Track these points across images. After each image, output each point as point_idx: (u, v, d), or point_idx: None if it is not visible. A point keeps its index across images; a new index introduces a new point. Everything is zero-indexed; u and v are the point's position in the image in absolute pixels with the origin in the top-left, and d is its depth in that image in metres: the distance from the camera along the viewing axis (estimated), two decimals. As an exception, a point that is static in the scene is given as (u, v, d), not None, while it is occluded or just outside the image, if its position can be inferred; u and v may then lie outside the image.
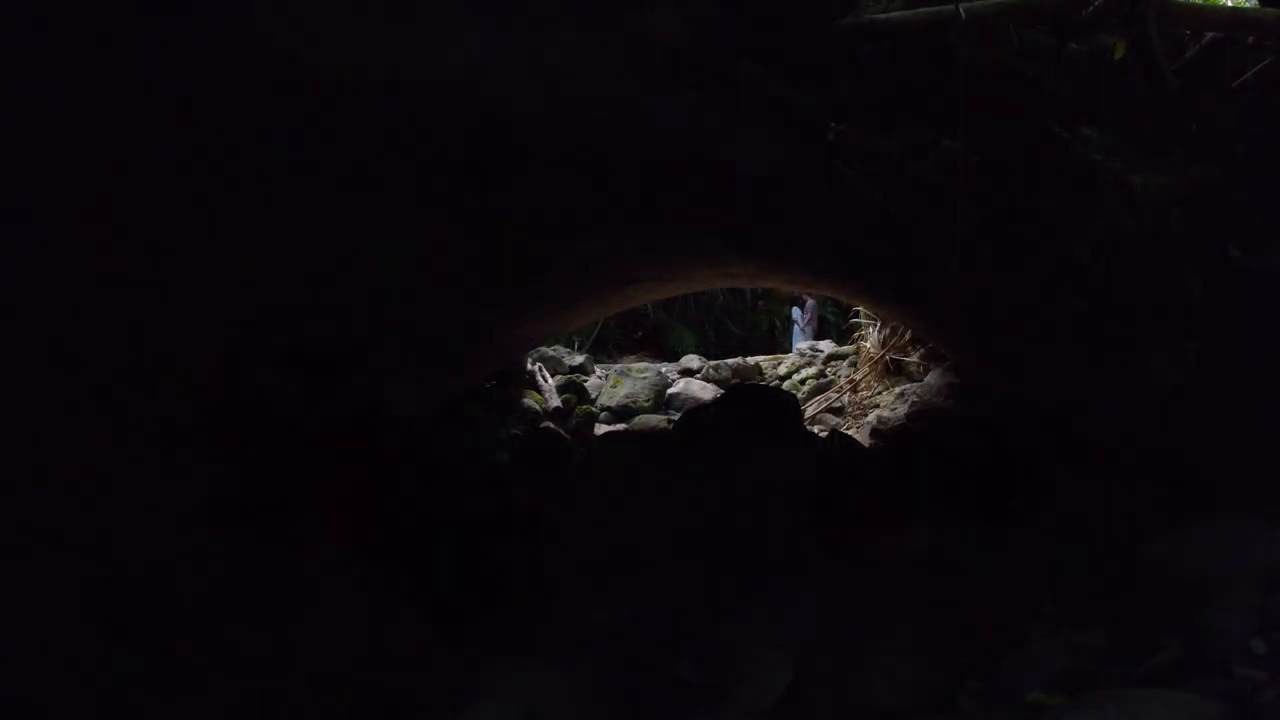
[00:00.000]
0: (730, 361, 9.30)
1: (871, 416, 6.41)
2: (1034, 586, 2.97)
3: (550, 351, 8.39)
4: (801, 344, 10.42)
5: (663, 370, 9.03)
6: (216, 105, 2.20)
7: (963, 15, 2.08)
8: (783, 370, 9.20)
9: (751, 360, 9.58)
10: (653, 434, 7.04)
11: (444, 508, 4.67)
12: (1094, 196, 2.68)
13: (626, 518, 4.05)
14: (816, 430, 6.46)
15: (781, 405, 4.91)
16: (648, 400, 8.05)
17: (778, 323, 14.52)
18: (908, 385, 6.67)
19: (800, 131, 2.54)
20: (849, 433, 6.21)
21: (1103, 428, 3.35)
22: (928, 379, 6.31)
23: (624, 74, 2.45)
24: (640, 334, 12.73)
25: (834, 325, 13.19)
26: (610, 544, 3.88)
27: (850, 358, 8.37)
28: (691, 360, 9.49)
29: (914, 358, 6.97)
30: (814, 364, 8.94)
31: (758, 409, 4.86)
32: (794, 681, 2.70)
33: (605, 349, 11.94)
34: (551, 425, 6.92)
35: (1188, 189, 2.91)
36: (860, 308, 7.67)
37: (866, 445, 5.60)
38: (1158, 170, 2.87)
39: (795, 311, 12.67)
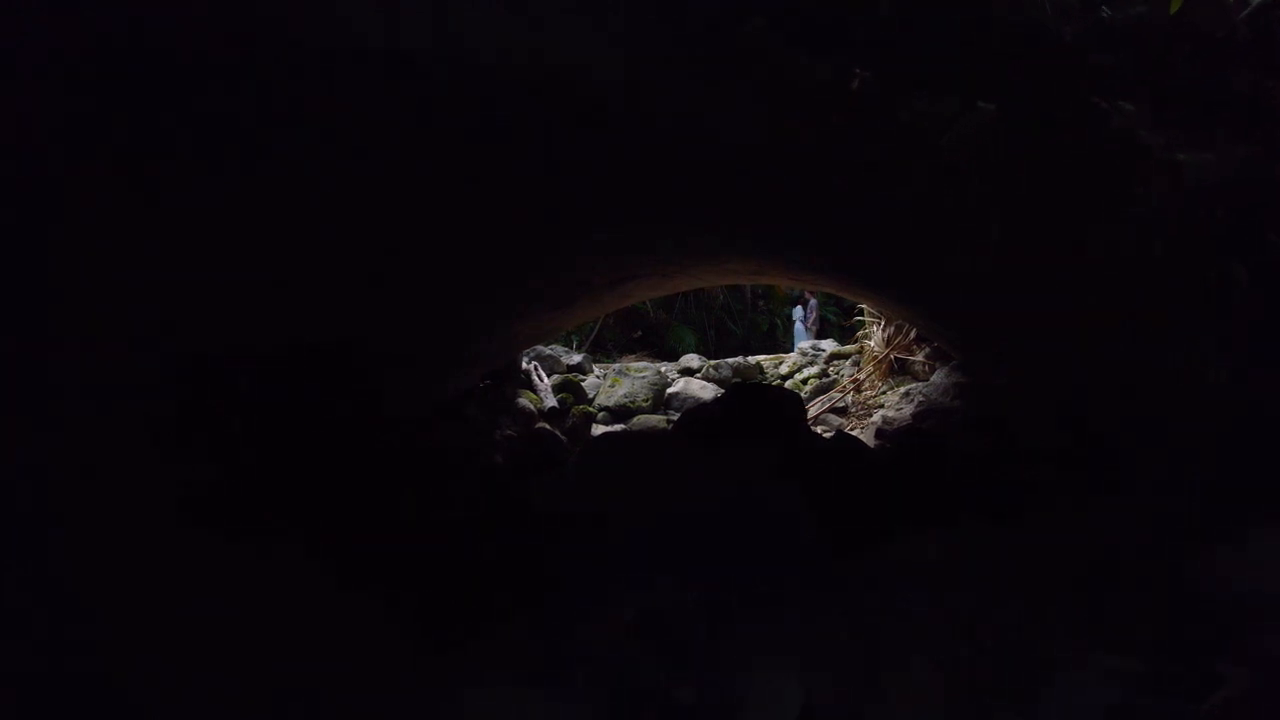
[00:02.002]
0: (731, 361, 9.04)
1: (876, 417, 6.14)
2: (1063, 602, 2.69)
3: (547, 350, 8.13)
4: (803, 343, 10.17)
5: (662, 369, 8.78)
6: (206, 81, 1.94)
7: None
8: (784, 369, 8.94)
9: (753, 359, 9.32)
10: (651, 435, 6.81)
11: (434, 513, 4.41)
12: (1135, 174, 2.39)
13: (622, 524, 3.77)
14: (819, 431, 6.19)
15: (785, 405, 4.63)
16: (646, 400, 7.80)
17: (778, 322, 14.30)
18: (913, 385, 6.42)
19: (812, 103, 2.26)
20: (853, 433, 5.94)
21: (1134, 429, 3.07)
22: (933, 378, 6.06)
23: (623, 38, 2.18)
24: (639, 333, 12.51)
25: (835, 325, 12.97)
26: (605, 552, 3.59)
27: (853, 357, 8.12)
28: (691, 359, 9.24)
29: (919, 357, 6.72)
30: (816, 363, 8.68)
31: (760, 409, 4.60)
32: (806, 705, 2.43)
33: (604, 348, 11.70)
34: (547, 426, 6.68)
35: (1232, 169, 2.63)
36: (864, 306, 7.41)
37: (871, 446, 5.33)
38: (1201, 148, 2.59)
39: (797, 310, 12.45)
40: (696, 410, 5.99)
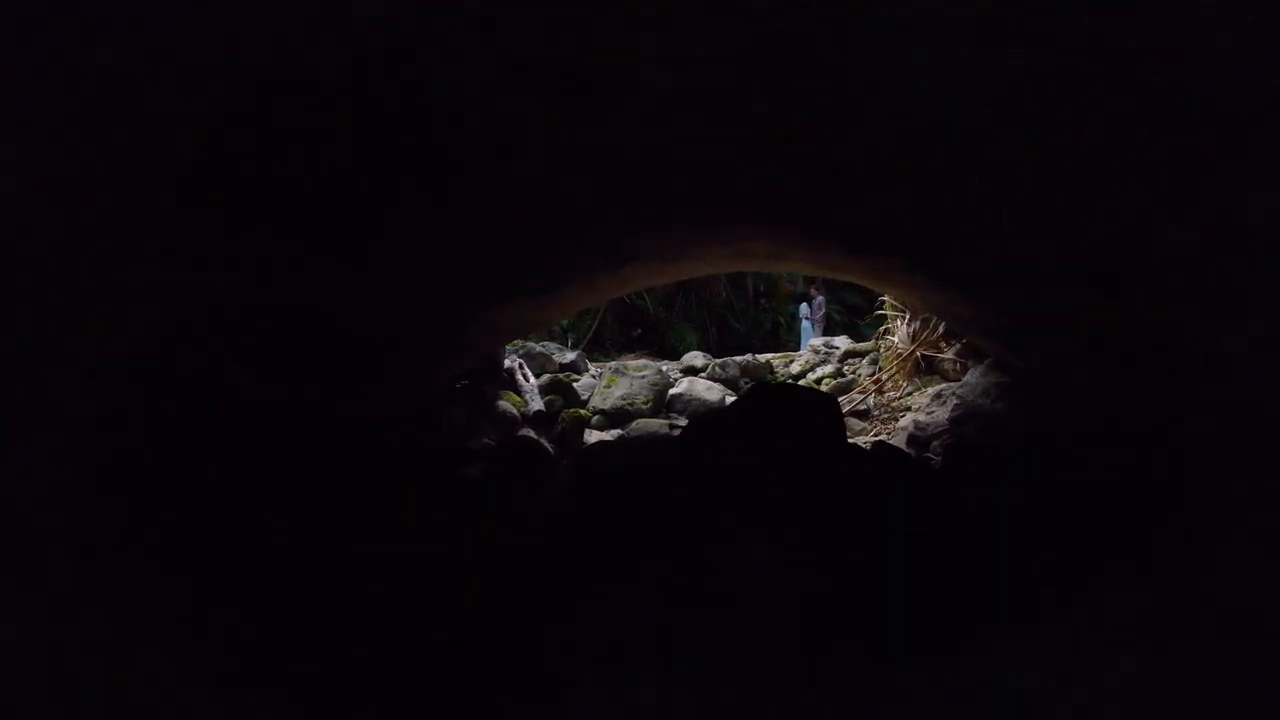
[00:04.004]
0: (738, 359, 9.07)
1: (905, 420, 6.20)
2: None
3: (538, 348, 8.08)
4: (814, 340, 10.26)
5: (664, 369, 8.78)
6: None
7: None
8: (795, 369, 9.00)
9: (762, 358, 9.37)
10: (653, 441, 6.70)
11: (397, 545, 3.78)
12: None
13: (611, 571, 3.18)
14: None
15: (817, 410, 4.53)
16: (646, 402, 7.76)
17: (781, 320, 14.50)
18: (944, 385, 6.48)
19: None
20: (879, 439, 6.00)
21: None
22: (967, 377, 6.12)
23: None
24: (639, 331, 12.61)
25: (839, 323, 13.14)
26: (587, 615, 2.89)
27: (872, 355, 8.19)
28: (695, 358, 9.28)
29: (948, 354, 6.78)
30: (830, 362, 8.75)
31: (787, 415, 4.46)
32: None
33: (603, 347, 11.75)
34: (530, 433, 6.54)
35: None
36: (886, 299, 7.47)
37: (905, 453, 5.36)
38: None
39: (802, 308, 12.61)
40: (708, 416, 5.96)
